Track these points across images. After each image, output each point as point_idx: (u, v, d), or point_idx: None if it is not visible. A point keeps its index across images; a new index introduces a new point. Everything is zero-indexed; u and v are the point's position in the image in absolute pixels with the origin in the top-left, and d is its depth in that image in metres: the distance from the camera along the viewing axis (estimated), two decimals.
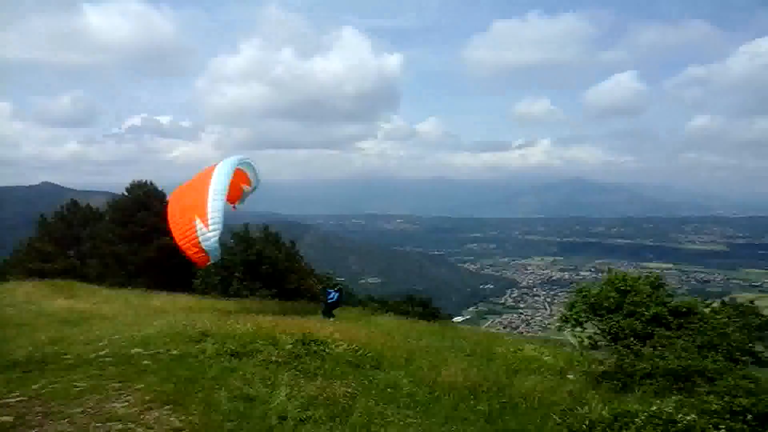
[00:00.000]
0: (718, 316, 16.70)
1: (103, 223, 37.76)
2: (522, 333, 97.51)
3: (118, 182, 45.02)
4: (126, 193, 37.86)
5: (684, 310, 16.62)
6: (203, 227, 16.82)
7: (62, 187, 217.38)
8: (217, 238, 17.04)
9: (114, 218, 37.02)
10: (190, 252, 17.11)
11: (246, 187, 21.17)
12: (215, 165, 19.00)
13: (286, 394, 9.29)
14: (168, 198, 19.23)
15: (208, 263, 17.81)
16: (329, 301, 22.00)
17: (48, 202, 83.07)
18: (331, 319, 20.28)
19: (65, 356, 11.30)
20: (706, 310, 17.35)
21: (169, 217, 18.05)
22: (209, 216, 16.94)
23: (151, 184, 38.69)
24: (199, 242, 16.90)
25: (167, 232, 31.55)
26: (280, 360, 11.65)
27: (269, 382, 9.99)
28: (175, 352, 11.91)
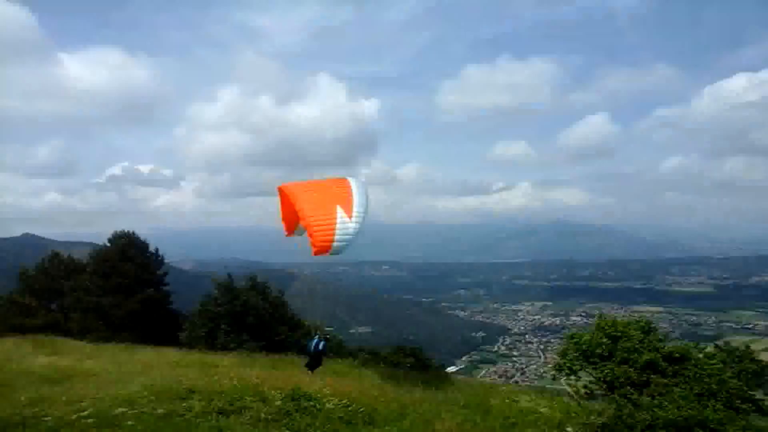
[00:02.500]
0: (712, 362, 16.53)
1: (86, 275, 37.03)
2: (518, 382, 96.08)
3: (100, 232, 44.47)
4: (108, 244, 37.39)
5: (678, 355, 16.46)
6: (345, 217, 16.70)
7: (44, 239, 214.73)
8: (356, 231, 16.71)
9: (96, 270, 36.38)
10: (319, 236, 16.58)
11: None
12: (340, 177, 19.24)
13: None
14: (284, 186, 18.92)
15: (327, 253, 17.05)
16: (313, 351, 20.00)
17: (30, 254, 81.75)
18: (310, 372, 19.07)
19: (45, 418, 10.87)
20: (701, 356, 17.19)
21: (299, 199, 17.65)
22: (354, 210, 17.02)
23: (134, 234, 38.29)
24: (335, 229, 16.57)
25: (147, 285, 31.35)
26: (269, 417, 11.31)
27: None
28: (160, 410, 11.52)
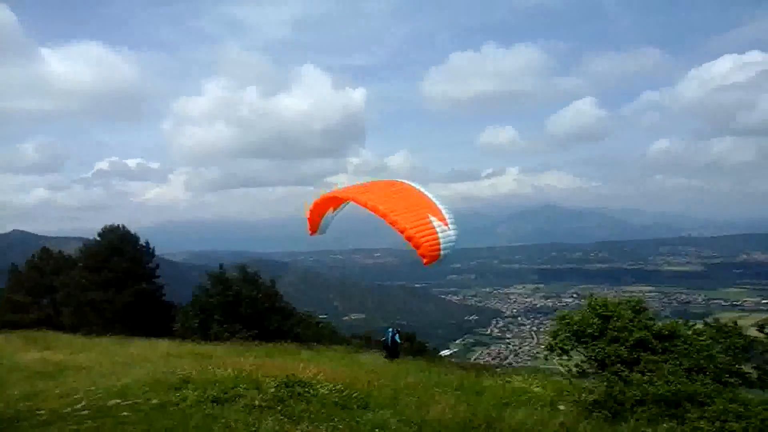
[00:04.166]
0: (701, 338, 16.72)
1: (77, 270, 36.87)
2: (511, 364, 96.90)
3: (90, 228, 44.21)
4: (98, 239, 37.18)
5: (667, 333, 16.61)
6: (442, 225, 16.94)
7: (34, 235, 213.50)
8: (456, 238, 17.11)
9: (87, 264, 36.23)
10: (427, 246, 16.80)
11: (331, 213, 20.94)
12: (393, 180, 19.22)
13: None
14: (341, 192, 18.86)
15: (436, 261, 17.41)
16: (391, 344, 22.40)
17: (20, 250, 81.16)
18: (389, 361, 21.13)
19: (39, 412, 10.84)
20: (690, 332, 17.37)
21: (381, 208, 17.69)
22: (447, 218, 17.29)
23: (124, 228, 38.11)
24: (439, 239, 16.86)
25: (139, 278, 31.17)
26: (263, 404, 11.33)
27: (253, 429, 9.69)
28: (154, 401, 11.51)
